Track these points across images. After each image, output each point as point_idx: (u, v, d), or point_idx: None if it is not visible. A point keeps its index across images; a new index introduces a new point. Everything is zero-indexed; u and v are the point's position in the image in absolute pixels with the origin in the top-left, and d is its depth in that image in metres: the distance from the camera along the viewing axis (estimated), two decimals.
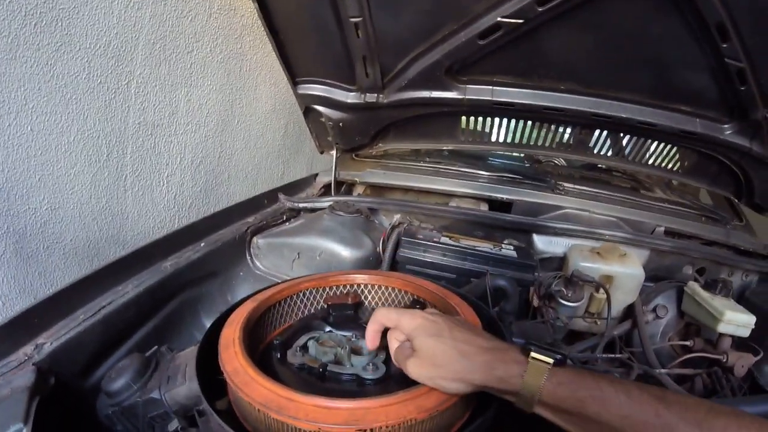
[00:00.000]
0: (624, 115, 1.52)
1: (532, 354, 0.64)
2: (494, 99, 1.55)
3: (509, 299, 1.30)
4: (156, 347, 0.97)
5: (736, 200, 1.75)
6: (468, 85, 1.55)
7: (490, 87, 1.55)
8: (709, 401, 0.59)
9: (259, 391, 0.64)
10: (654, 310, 1.43)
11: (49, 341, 0.91)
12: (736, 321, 1.25)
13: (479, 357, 0.66)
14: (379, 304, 1.03)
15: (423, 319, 0.72)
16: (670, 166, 1.75)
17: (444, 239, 1.46)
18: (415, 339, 0.71)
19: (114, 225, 1.76)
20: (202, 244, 1.33)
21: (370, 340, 0.80)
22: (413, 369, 0.69)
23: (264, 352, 0.86)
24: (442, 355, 0.67)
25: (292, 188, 1.85)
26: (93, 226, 1.68)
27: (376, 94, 1.60)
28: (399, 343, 0.75)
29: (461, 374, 0.66)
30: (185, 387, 0.83)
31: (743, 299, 1.47)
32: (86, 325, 0.97)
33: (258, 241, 1.51)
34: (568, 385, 0.62)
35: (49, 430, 0.83)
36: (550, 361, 0.64)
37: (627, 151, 1.77)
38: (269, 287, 0.97)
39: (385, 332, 0.79)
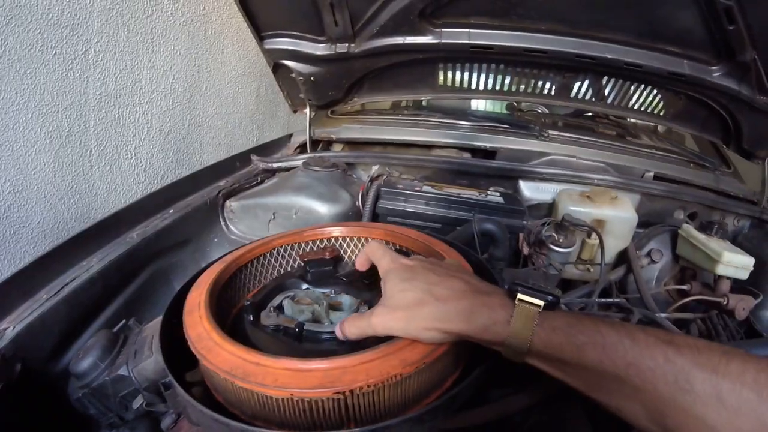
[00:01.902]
0: (609, 56, 1.43)
1: (519, 296, 0.56)
2: (472, 42, 1.46)
3: (499, 244, 1.23)
4: (124, 321, 0.91)
5: (724, 146, 1.69)
6: (443, 29, 1.46)
7: (467, 30, 1.45)
8: (717, 344, 0.52)
9: (223, 357, 0.57)
10: (648, 254, 1.40)
11: (11, 326, 0.85)
12: (735, 262, 1.22)
13: (457, 302, 0.58)
14: None
15: (398, 263, 0.65)
16: (657, 111, 1.69)
17: (426, 188, 1.40)
18: (386, 284, 0.63)
19: (82, 203, 1.69)
20: (171, 211, 1.26)
21: (360, 263, 0.75)
22: (378, 319, 0.60)
23: (237, 317, 0.80)
24: (413, 300, 0.59)
25: (265, 149, 1.78)
26: (60, 206, 1.61)
27: (346, 44, 1.50)
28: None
29: (435, 322, 0.57)
30: (152, 360, 0.76)
31: (736, 244, 1.43)
32: (50, 305, 0.91)
33: (231, 204, 1.45)
34: (564, 331, 0.54)
35: (17, 418, 0.80)
36: (540, 303, 0.56)
37: (612, 96, 1.70)
38: (240, 248, 0.89)
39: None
